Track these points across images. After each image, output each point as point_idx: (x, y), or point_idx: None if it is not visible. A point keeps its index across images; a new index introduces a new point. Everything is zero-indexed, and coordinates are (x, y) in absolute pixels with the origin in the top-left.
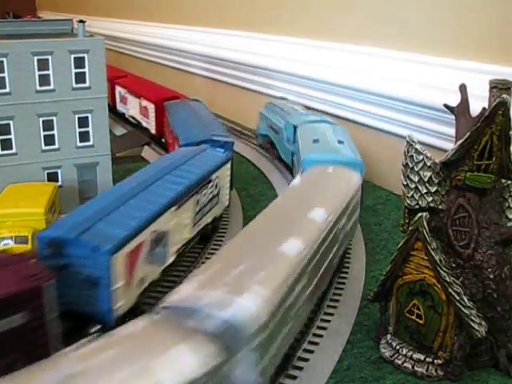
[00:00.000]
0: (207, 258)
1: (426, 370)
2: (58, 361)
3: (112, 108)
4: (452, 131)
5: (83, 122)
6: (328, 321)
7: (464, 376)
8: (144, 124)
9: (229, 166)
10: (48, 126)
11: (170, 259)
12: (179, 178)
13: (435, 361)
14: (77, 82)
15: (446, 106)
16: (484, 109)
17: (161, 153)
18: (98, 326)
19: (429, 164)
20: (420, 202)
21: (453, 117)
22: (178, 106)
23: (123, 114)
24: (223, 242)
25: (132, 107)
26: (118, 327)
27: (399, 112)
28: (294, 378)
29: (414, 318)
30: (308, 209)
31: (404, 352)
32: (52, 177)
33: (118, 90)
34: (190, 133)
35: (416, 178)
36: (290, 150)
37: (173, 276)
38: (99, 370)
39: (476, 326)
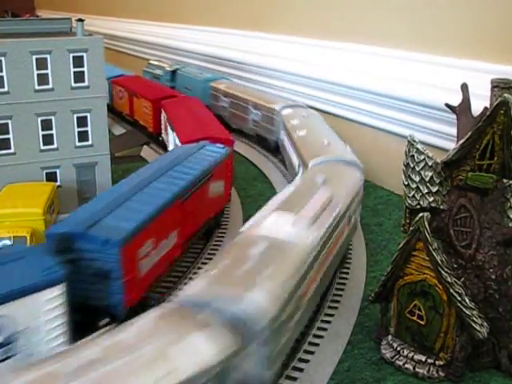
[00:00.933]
0: (208, 257)
1: (428, 371)
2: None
3: (156, 137)
4: (453, 131)
5: (82, 122)
6: (328, 322)
7: (465, 377)
8: None
9: (57, 291)
10: (47, 125)
11: None
12: None
13: (436, 362)
14: (76, 82)
15: (447, 105)
16: (485, 108)
17: (160, 152)
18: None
19: (430, 164)
20: (421, 202)
21: (454, 116)
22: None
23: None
24: (223, 242)
25: (171, 142)
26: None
27: (400, 111)
28: (295, 379)
29: (415, 318)
30: None
31: (405, 353)
32: (51, 177)
33: (164, 115)
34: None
35: (417, 178)
36: (169, 85)
37: (174, 274)
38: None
39: (477, 327)
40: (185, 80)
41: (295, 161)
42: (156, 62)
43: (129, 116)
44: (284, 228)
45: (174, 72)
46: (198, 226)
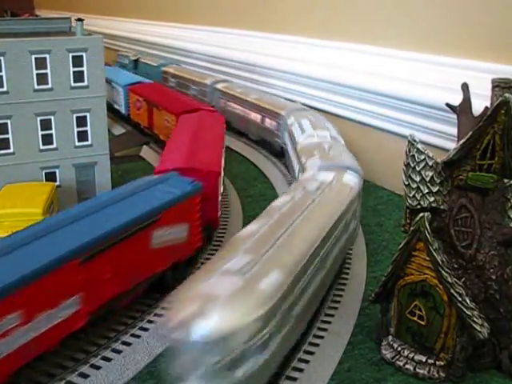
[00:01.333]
0: (207, 258)
1: (428, 372)
2: None
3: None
4: (454, 130)
5: (81, 122)
6: (328, 322)
7: (466, 378)
8: None
9: None
10: (46, 125)
11: None
12: None
13: (437, 362)
14: (75, 81)
15: (447, 105)
16: (486, 108)
17: (159, 152)
18: None
19: (430, 164)
20: (422, 202)
21: (455, 116)
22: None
23: None
24: (222, 243)
25: None
26: None
27: (400, 111)
28: (294, 379)
29: (415, 319)
30: None
31: (405, 353)
32: (50, 177)
33: None
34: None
35: (418, 178)
36: (133, 72)
37: None
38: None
39: (478, 328)
40: (144, 67)
41: (255, 115)
42: (124, 53)
43: (147, 129)
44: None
45: (136, 61)
46: (125, 287)
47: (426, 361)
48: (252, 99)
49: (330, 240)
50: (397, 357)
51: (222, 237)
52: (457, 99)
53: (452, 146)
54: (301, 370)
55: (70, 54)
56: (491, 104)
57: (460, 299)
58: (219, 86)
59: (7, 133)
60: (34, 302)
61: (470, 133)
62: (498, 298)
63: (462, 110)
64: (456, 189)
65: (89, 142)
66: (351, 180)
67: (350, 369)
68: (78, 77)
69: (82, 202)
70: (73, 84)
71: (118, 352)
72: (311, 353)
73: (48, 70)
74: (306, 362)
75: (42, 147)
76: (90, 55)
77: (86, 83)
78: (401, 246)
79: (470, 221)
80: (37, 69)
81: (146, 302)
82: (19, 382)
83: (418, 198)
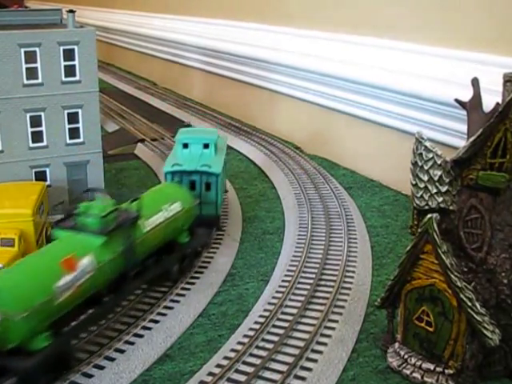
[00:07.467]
0: (205, 260)
1: (437, 381)
2: None
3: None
4: (464, 128)
5: (73, 118)
6: (333, 328)
7: None
8: None
9: None
10: (36, 122)
11: None
12: None
13: (446, 370)
14: (66, 76)
15: (457, 101)
16: (497, 104)
17: (155, 151)
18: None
19: (439, 162)
20: (430, 203)
21: (464, 112)
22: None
23: None
24: (221, 245)
25: None
26: None
27: (408, 107)
28: None
29: (423, 325)
30: None
31: (413, 361)
32: (40, 176)
33: None
34: None
35: (426, 177)
36: None
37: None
38: None
39: (489, 334)
40: None
41: None
42: None
43: None
44: None
45: None
46: None
47: (435, 369)
48: None
49: None
50: (404, 365)
51: (221, 239)
52: (467, 95)
53: (462, 143)
54: (303, 379)
55: (61, 48)
56: (503, 100)
57: (470, 304)
58: None
59: None
60: None
61: (481, 130)
62: (510, 304)
63: (472, 106)
64: (466, 189)
65: (81, 140)
66: None
67: (354, 377)
68: (70, 71)
69: (73, 202)
70: (64, 79)
71: (112, 360)
72: (314, 360)
73: (38, 64)
74: (309, 370)
75: (31, 145)
76: (82, 48)
77: (77, 78)
78: (408, 248)
79: (481, 222)
80: (26, 63)
81: (140, 308)
82: None
83: (426, 199)
